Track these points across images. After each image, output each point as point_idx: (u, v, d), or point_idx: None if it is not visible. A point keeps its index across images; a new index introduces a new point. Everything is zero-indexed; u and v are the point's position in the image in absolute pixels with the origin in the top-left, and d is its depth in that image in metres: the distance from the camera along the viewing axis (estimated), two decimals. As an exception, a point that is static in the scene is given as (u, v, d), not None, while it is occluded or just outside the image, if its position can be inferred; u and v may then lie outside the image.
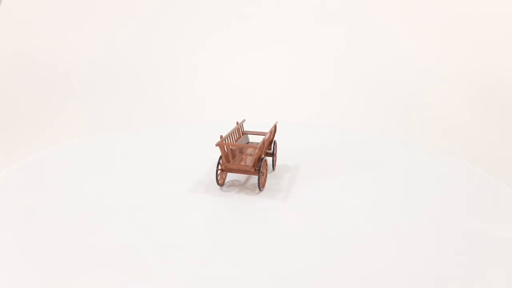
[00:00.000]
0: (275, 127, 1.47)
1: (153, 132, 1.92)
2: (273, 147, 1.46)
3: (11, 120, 2.44)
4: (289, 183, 1.35)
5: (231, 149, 1.27)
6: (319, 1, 2.93)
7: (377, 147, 1.78)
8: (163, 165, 1.49)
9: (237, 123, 1.46)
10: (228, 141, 1.31)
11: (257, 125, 1.65)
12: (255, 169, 1.26)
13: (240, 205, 1.20)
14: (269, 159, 1.48)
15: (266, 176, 1.33)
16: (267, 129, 1.59)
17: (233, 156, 1.29)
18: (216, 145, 1.23)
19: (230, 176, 1.39)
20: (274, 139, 1.48)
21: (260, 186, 1.27)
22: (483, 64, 2.55)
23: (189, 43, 2.93)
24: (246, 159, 1.28)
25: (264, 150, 1.33)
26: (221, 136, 1.29)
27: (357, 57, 2.83)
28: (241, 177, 1.40)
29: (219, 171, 1.28)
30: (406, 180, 1.41)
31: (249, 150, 1.39)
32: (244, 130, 1.51)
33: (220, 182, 1.30)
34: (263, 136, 1.38)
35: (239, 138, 1.42)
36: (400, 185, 1.38)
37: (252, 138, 1.54)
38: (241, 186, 1.31)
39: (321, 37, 2.90)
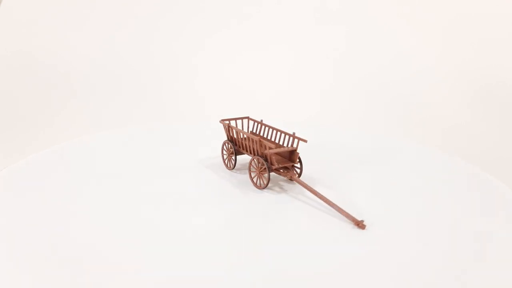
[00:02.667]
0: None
1: (154, 132, 1.91)
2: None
3: (11, 120, 2.44)
4: (290, 182, 1.35)
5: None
6: (319, 1, 2.93)
7: (377, 147, 1.77)
8: (164, 164, 1.48)
9: (229, 123, 1.48)
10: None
11: (257, 125, 1.64)
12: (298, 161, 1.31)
13: (241, 203, 1.20)
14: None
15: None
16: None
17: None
18: (269, 151, 1.25)
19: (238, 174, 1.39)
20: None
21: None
22: (483, 64, 2.55)
23: (189, 43, 2.94)
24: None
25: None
26: (260, 137, 1.35)
27: (357, 57, 2.83)
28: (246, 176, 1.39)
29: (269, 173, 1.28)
30: (406, 180, 1.41)
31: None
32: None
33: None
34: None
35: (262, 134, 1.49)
36: (400, 184, 1.38)
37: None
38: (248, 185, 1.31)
39: (321, 37, 2.90)
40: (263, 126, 1.46)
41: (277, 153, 1.33)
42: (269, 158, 1.25)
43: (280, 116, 1.57)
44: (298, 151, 1.30)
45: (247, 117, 1.50)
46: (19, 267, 0.92)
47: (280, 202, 1.23)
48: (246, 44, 2.93)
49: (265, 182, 1.26)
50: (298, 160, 1.30)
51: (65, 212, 1.15)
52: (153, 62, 2.88)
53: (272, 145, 1.25)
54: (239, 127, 1.52)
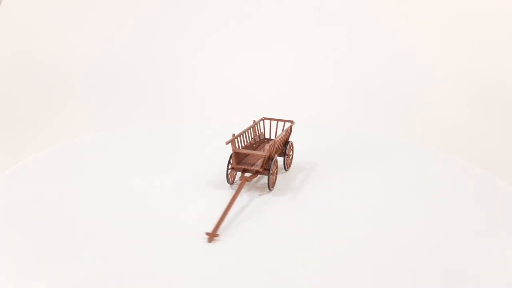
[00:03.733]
0: (290, 127, 1.45)
1: (154, 132, 1.91)
2: (286, 148, 1.42)
3: (11, 120, 2.44)
4: (290, 182, 1.35)
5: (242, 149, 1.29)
6: (319, 1, 2.93)
7: (377, 147, 1.77)
8: (164, 165, 1.48)
9: (254, 121, 1.45)
10: (239, 141, 1.32)
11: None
12: (264, 169, 1.26)
13: (247, 203, 1.19)
14: (280, 159, 1.46)
15: (276, 176, 1.33)
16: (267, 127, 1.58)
17: (245, 156, 1.30)
18: (226, 143, 1.24)
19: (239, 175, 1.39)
20: (290, 140, 1.46)
21: (270, 185, 1.27)
22: (483, 64, 2.55)
23: (189, 43, 2.93)
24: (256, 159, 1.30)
25: (275, 150, 1.33)
26: (233, 135, 1.29)
27: (357, 57, 2.83)
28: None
29: (229, 170, 1.28)
30: (406, 180, 1.41)
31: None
32: (261, 129, 1.50)
33: (230, 181, 1.30)
34: (276, 136, 1.39)
35: (255, 136, 1.44)
36: (400, 184, 1.38)
37: (268, 135, 1.53)
38: (251, 185, 1.31)
39: (321, 37, 2.90)
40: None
41: (251, 155, 1.32)
42: (232, 157, 1.27)
43: (280, 116, 1.56)
44: (267, 156, 1.26)
45: (291, 121, 1.47)
46: (19, 267, 0.91)
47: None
48: (246, 44, 2.93)
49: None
50: (262, 166, 1.27)
51: (66, 213, 1.15)
52: (153, 62, 2.88)
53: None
54: (280, 128, 1.50)
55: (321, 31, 2.90)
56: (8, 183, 1.31)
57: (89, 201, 1.20)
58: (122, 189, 1.29)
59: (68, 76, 2.72)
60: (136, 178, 1.37)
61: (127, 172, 1.42)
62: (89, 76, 2.76)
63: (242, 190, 1.24)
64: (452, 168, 1.57)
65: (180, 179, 1.36)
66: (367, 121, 2.46)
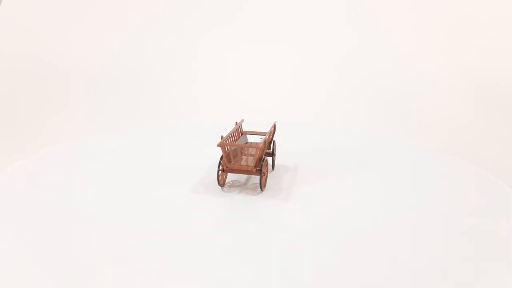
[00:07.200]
0: (274, 127, 1.47)
1: (153, 133, 1.91)
2: (273, 147, 1.46)
3: (11, 121, 2.44)
4: (291, 183, 1.35)
5: (232, 149, 1.27)
6: (323, 4, 2.94)
7: (379, 147, 1.77)
8: (163, 165, 1.48)
9: (236, 123, 1.45)
10: (228, 142, 1.31)
11: (258, 125, 1.64)
12: (257, 170, 1.26)
13: (241, 205, 1.19)
14: (269, 159, 1.47)
15: (267, 176, 1.33)
16: (266, 129, 1.58)
17: (234, 156, 1.29)
18: (218, 145, 1.22)
19: (231, 177, 1.39)
20: (274, 139, 1.49)
21: (262, 186, 1.27)
22: (485, 66, 2.56)
23: (189, 43, 2.94)
24: (248, 159, 1.28)
25: (264, 150, 1.33)
26: (221, 137, 1.29)
27: (360, 59, 2.84)
28: (241, 177, 1.39)
29: (220, 172, 1.28)
30: (407, 180, 1.41)
31: (250, 150, 1.39)
32: (243, 130, 1.51)
33: (221, 183, 1.30)
34: (263, 136, 1.38)
35: (238, 138, 1.42)
36: (401, 185, 1.38)
37: (251, 138, 1.52)
38: (242, 187, 1.31)
39: (324, 38, 2.90)
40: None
41: None
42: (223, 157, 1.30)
43: (282, 117, 1.56)
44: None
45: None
46: (18, 270, 0.92)
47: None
48: (247, 45, 2.93)
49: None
50: (255, 165, 1.29)
51: (66, 214, 1.15)
52: (153, 63, 2.88)
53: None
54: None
55: (325, 32, 2.90)
56: (8, 184, 1.31)
57: (89, 203, 1.20)
58: (123, 190, 1.29)
59: (68, 79, 2.73)
60: (136, 179, 1.37)
61: (127, 173, 1.42)
62: (89, 78, 2.76)
63: (234, 193, 1.24)
64: (453, 168, 1.57)
65: (181, 180, 1.36)
66: (369, 121, 2.46)
